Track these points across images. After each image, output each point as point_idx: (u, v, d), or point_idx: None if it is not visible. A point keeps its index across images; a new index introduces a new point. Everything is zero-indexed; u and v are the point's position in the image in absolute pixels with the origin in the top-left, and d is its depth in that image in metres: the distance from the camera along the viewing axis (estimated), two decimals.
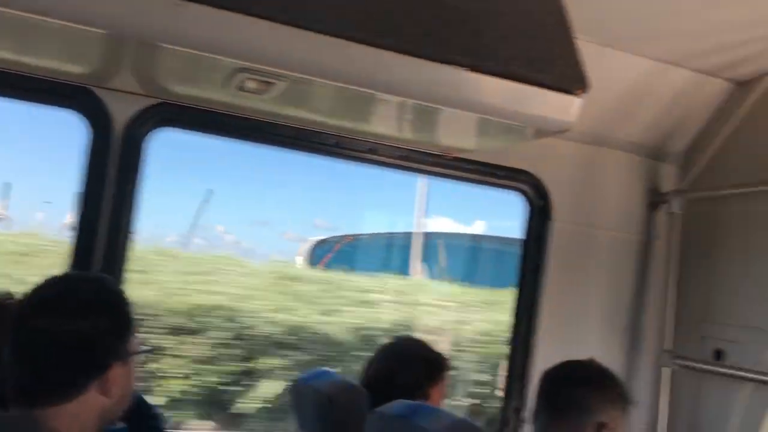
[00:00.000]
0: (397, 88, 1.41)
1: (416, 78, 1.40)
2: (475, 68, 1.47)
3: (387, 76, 1.37)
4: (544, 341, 2.42)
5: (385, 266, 5.01)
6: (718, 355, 2.33)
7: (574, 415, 1.72)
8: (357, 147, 2.17)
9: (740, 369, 2.21)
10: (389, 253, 5.39)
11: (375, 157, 2.20)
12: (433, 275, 5.18)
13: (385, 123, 1.89)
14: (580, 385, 1.76)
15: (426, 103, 1.53)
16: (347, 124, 1.99)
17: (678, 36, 2.11)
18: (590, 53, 2.05)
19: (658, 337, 2.48)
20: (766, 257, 2.22)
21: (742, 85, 2.37)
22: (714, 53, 2.19)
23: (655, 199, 2.57)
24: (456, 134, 1.94)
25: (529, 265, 2.46)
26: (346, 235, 5.44)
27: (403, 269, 5.11)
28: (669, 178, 2.61)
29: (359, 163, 2.25)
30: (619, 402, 1.78)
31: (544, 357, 2.24)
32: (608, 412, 1.73)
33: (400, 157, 2.25)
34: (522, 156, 2.41)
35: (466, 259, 5.58)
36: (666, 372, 2.41)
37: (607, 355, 2.53)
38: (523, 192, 2.47)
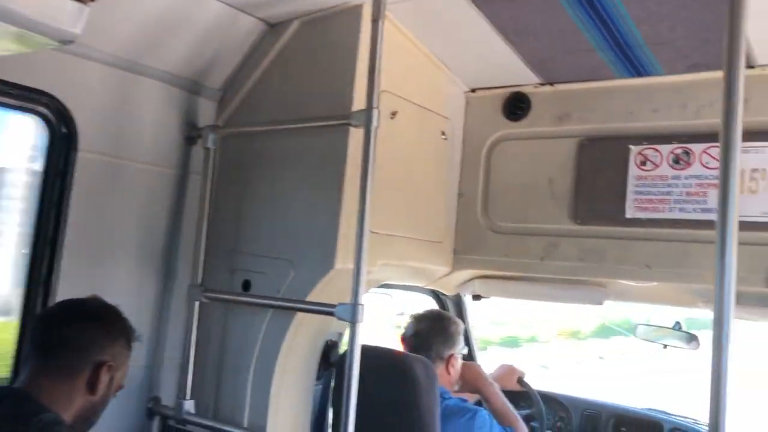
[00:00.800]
0: None
1: None
2: None
3: None
4: (68, 281, 2.20)
5: None
6: (246, 285, 2.44)
7: (68, 356, 1.59)
8: None
9: (264, 297, 2.35)
10: None
11: None
12: None
13: None
14: (73, 323, 1.63)
15: None
16: None
17: None
18: None
19: (192, 271, 2.48)
20: (289, 193, 2.38)
21: (274, 27, 2.46)
22: None
23: (191, 134, 2.53)
24: None
25: (50, 198, 2.19)
26: None
27: None
28: (207, 113, 2.60)
29: None
30: (121, 338, 1.70)
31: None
32: (108, 350, 1.64)
33: None
34: (43, 76, 2.11)
35: None
36: (196, 305, 2.43)
37: (141, 291, 2.45)
38: (44, 117, 2.17)
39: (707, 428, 1.34)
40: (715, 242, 1.37)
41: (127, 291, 2.39)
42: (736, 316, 2.41)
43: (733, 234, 1.38)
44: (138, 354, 2.38)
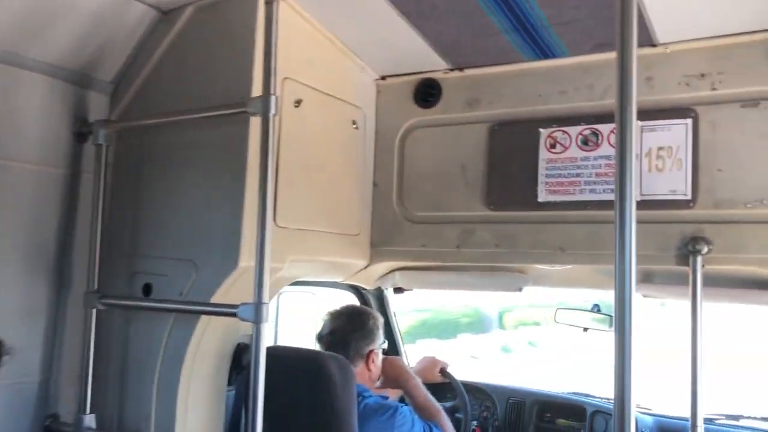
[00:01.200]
0: None
1: None
2: None
3: None
4: None
5: None
6: (147, 290, 2.30)
7: None
8: None
9: (165, 302, 2.21)
10: None
11: None
12: None
13: None
14: None
15: None
16: None
17: None
18: None
19: (88, 277, 2.31)
20: (189, 189, 2.25)
21: (167, 14, 2.32)
22: None
23: (82, 130, 2.35)
24: None
25: None
26: None
27: None
28: (99, 108, 2.43)
29: None
30: None
31: None
32: None
33: None
34: None
35: None
36: (93, 313, 2.26)
37: (32, 301, 2.27)
38: None
39: None
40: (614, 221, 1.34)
41: (16, 301, 2.21)
42: (646, 294, 2.43)
43: (632, 212, 1.35)
44: (32, 368, 2.23)
